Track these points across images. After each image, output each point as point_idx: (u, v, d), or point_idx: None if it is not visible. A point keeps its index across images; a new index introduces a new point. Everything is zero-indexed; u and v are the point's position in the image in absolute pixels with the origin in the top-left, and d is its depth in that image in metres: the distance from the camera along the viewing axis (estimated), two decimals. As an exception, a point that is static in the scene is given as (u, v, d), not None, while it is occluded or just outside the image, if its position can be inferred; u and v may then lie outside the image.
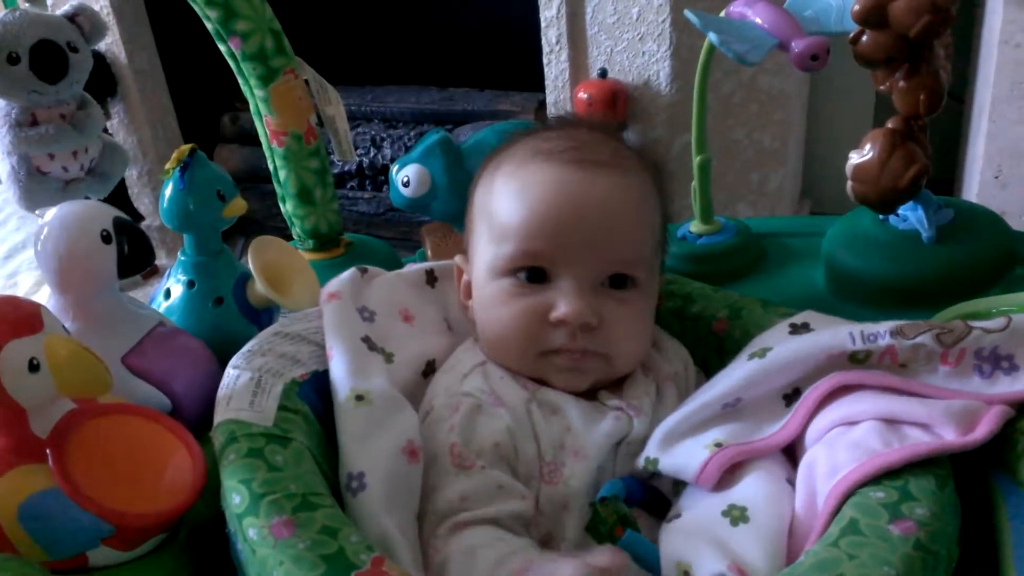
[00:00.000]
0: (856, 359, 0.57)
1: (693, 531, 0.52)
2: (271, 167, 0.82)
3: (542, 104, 1.76)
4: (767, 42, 0.66)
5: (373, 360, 0.59)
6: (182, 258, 0.69)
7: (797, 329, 0.60)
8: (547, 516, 0.56)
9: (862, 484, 0.49)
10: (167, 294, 0.69)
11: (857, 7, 0.63)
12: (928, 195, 0.74)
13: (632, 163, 0.64)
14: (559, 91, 1.63)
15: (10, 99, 0.70)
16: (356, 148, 1.89)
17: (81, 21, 0.75)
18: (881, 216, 0.77)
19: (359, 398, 0.56)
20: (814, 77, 1.74)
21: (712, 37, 0.64)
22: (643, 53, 1.56)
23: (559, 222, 0.60)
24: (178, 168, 0.64)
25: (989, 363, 0.55)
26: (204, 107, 2.01)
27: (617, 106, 1.57)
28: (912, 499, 0.47)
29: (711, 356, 0.66)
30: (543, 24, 1.59)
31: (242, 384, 0.54)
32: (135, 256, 0.59)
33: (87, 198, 0.77)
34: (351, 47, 1.99)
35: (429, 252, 0.84)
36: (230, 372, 0.56)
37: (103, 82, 1.87)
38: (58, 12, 0.77)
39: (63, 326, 0.52)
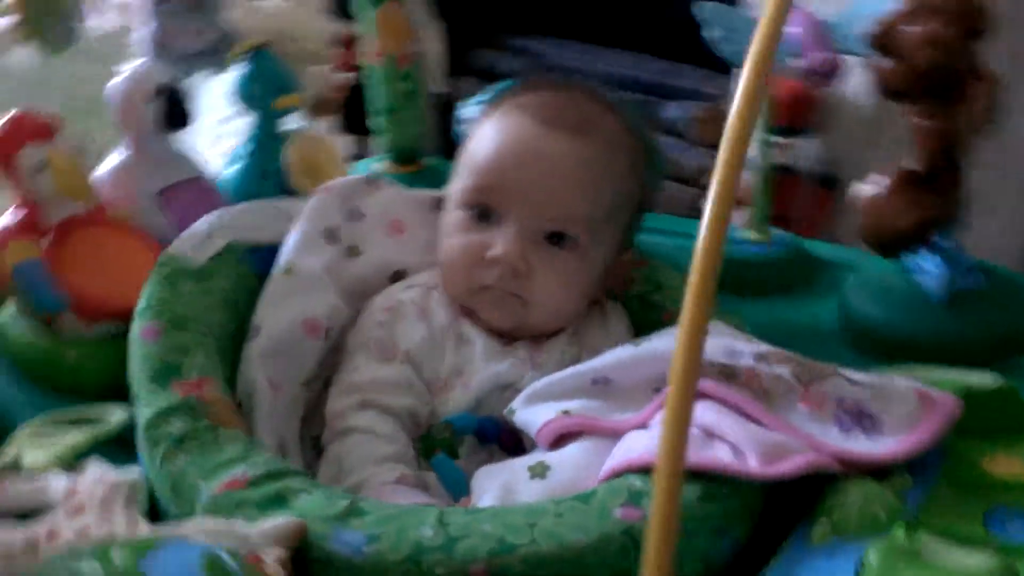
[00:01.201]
0: (726, 373, 0.56)
1: (496, 473, 0.56)
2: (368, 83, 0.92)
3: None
4: (782, 51, 0.65)
5: (323, 247, 0.68)
6: (250, 132, 0.81)
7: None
8: (421, 427, 0.62)
9: (632, 471, 0.50)
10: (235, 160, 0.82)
11: (871, 31, 0.61)
12: (957, 254, 0.69)
13: (605, 133, 0.67)
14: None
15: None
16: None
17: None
18: (905, 264, 0.72)
19: (288, 271, 0.65)
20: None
21: (708, 32, 0.64)
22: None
23: (509, 168, 0.65)
24: (247, 56, 0.76)
25: (850, 417, 0.53)
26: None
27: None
28: None
29: None
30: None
31: (199, 231, 0.65)
32: (172, 115, 0.72)
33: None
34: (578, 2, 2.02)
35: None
36: (202, 219, 0.67)
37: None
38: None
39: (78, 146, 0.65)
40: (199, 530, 0.43)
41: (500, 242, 0.64)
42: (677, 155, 1.83)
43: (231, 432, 0.52)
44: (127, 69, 0.73)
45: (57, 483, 0.52)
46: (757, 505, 0.51)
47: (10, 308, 0.68)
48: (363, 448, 0.58)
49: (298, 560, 0.45)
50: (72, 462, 0.55)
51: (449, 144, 0.81)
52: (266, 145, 0.80)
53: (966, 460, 0.54)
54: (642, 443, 0.53)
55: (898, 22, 0.60)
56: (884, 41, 0.60)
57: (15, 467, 0.54)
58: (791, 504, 0.52)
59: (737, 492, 0.50)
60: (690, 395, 0.25)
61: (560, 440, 0.57)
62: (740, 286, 0.80)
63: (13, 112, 0.64)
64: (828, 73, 0.64)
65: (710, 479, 0.50)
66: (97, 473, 0.52)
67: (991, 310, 0.69)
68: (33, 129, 0.63)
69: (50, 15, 0.76)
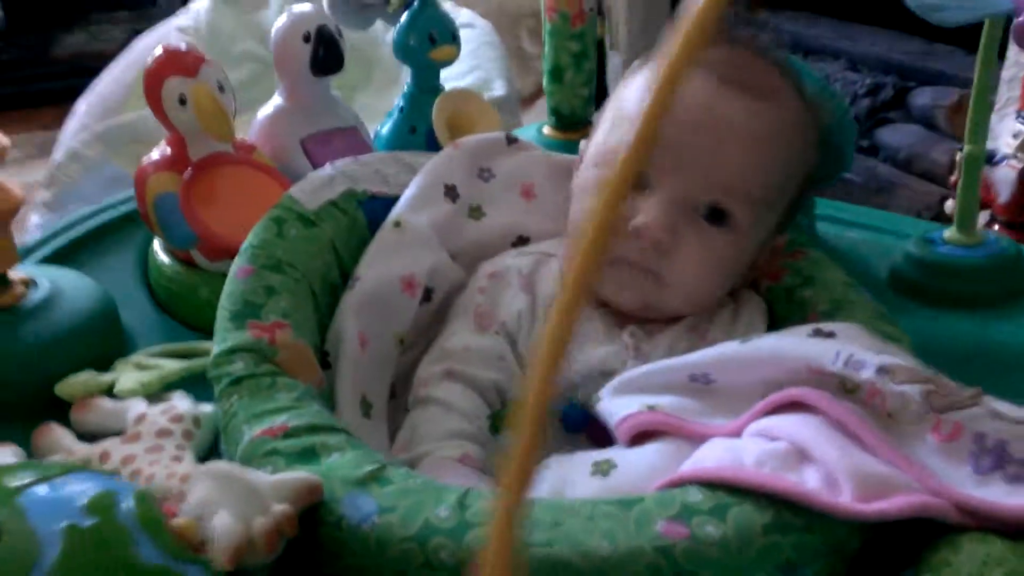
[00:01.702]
0: (846, 388, 0.47)
1: (560, 464, 0.50)
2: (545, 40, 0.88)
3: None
4: (982, 8, 0.53)
5: (439, 204, 0.65)
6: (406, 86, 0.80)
7: (818, 333, 0.51)
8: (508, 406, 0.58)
9: (698, 483, 0.43)
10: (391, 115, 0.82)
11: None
12: None
13: (784, 100, 0.59)
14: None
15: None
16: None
17: None
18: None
19: (397, 224, 0.63)
20: None
21: None
22: None
23: (671, 128, 0.58)
24: (404, 5, 0.75)
25: (991, 458, 0.43)
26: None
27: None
28: (713, 517, 0.41)
29: None
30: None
31: (321, 176, 0.65)
32: (326, 59, 0.72)
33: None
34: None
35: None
36: (327, 165, 0.66)
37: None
38: None
39: (219, 83, 0.67)
40: (209, 472, 0.41)
41: (646, 211, 0.57)
42: (925, 148, 1.65)
43: (289, 381, 0.51)
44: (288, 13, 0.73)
45: (135, 409, 0.53)
46: (847, 547, 0.42)
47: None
48: (437, 421, 0.55)
49: (311, 521, 0.43)
50: (159, 391, 0.56)
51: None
52: (418, 100, 0.78)
53: None
54: (718, 453, 0.45)
55: None
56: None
57: (109, 391, 0.56)
58: (895, 553, 0.43)
59: (819, 526, 0.42)
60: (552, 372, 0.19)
61: (640, 438, 0.51)
62: (941, 297, 0.71)
63: (162, 46, 0.66)
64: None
65: (787, 506, 0.42)
66: (168, 405, 0.53)
67: None
68: (176, 63, 0.65)
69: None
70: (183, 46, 0.67)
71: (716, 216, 0.57)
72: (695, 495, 0.43)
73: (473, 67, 1.44)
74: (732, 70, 0.57)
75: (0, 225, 0.58)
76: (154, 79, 0.65)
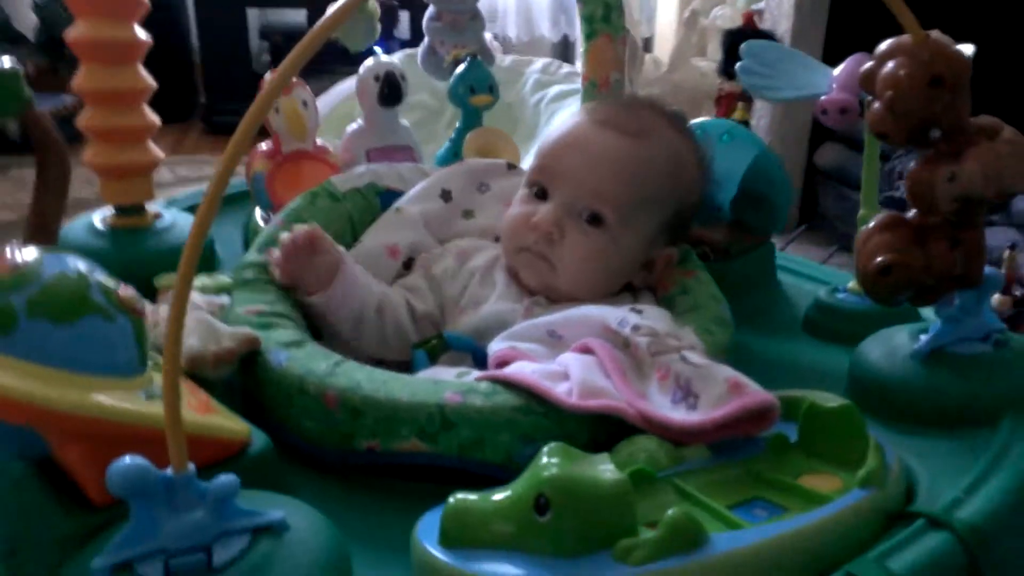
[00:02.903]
0: (622, 341, 0.67)
1: (447, 370, 0.72)
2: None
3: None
4: (804, 89, 0.71)
5: (433, 200, 0.89)
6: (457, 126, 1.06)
7: (633, 310, 0.71)
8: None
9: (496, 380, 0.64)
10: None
11: (863, 71, 0.65)
12: (966, 316, 0.68)
13: (654, 138, 0.80)
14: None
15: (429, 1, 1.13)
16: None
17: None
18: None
19: (397, 210, 0.88)
20: None
21: (741, 64, 0.73)
22: None
23: (563, 155, 0.80)
24: (456, 62, 1.01)
25: (682, 392, 0.61)
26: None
27: None
28: (482, 396, 0.62)
29: None
30: None
31: (356, 171, 0.91)
32: (389, 95, 0.99)
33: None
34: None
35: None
36: (364, 165, 0.93)
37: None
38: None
39: (304, 101, 0.95)
40: (194, 316, 0.68)
41: (542, 212, 0.79)
42: (1020, 250, 1.69)
43: (278, 290, 0.76)
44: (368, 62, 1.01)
45: (194, 298, 0.81)
46: (578, 436, 0.61)
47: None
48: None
49: (254, 364, 0.68)
50: (214, 292, 0.83)
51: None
52: (463, 134, 1.03)
53: (782, 466, 0.58)
54: (516, 367, 0.66)
55: (879, 61, 0.63)
56: (866, 81, 0.64)
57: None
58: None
59: (553, 416, 0.61)
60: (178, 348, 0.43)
61: (502, 367, 0.72)
62: (835, 335, 0.86)
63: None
64: (849, 111, 0.69)
65: (538, 400, 0.62)
66: (211, 298, 0.80)
67: (966, 379, 0.66)
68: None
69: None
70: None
71: (594, 219, 0.78)
72: (484, 385, 0.64)
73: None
74: (607, 117, 0.80)
75: (144, 181, 0.89)
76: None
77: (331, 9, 0.51)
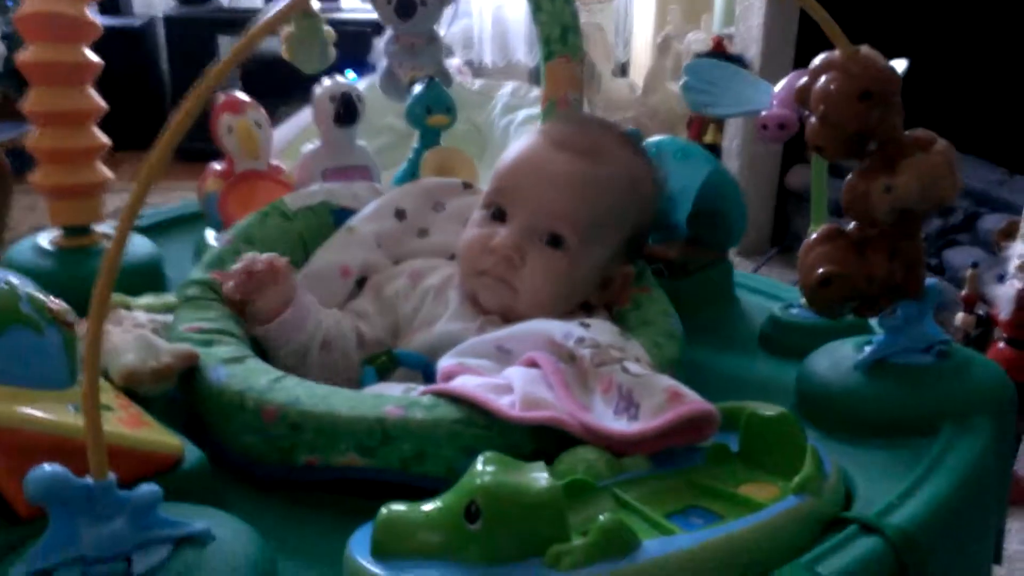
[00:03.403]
0: (568, 355, 0.67)
1: (394, 386, 0.72)
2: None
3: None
4: (744, 105, 0.72)
5: (387, 220, 0.89)
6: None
7: (582, 324, 0.71)
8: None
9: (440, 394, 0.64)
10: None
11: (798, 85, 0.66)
12: (910, 327, 0.68)
13: (609, 159, 0.80)
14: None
15: (386, 25, 1.13)
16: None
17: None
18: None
19: (349, 229, 0.88)
20: None
21: (684, 80, 0.74)
22: None
23: (521, 177, 0.81)
24: (416, 83, 1.02)
25: (624, 403, 0.61)
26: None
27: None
28: (424, 409, 0.62)
29: None
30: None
31: (309, 190, 0.91)
32: (344, 115, 0.99)
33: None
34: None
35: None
36: (318, 184, 0.93)
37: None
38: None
39: (257, 121, 0.95)
40: (133, 333, 0.67)
41: (501, 235, 0.79)
42: (982, 269, 1.72)
43: (221, 307, 0.76)
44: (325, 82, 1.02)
45: (137, 316, 0.80)
46: (523, 447, 0.60)
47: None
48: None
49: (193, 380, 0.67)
50: (159, 311, 0.83)
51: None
52: (420, 154, 1.04)
53: (722, 475, 0.58)
54: (461, 381, 0.66)
55: (812, 77, 0.64)
56: (801, 96, 0.65)
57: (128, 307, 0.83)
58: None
59: (497, 428, 0.61)
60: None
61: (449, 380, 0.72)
62: (787, 349, 0.85)
63: (225, 93, 0.96)
64: (788, 127, 0.70)
65: (481, 413, 0.61)
66: (154, 316, 0.79)
67: (905, 388, 0.67)
68: (230, 104, 0.94)
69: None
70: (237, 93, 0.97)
71: (554, 240, 0.78)
72: (427, 398, 0.63)
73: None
74: (563, 138, 0.80)
75: (92, 201, 0.89)
76: (214, 114, 0.94)
77: (266, 16, 0.51)
